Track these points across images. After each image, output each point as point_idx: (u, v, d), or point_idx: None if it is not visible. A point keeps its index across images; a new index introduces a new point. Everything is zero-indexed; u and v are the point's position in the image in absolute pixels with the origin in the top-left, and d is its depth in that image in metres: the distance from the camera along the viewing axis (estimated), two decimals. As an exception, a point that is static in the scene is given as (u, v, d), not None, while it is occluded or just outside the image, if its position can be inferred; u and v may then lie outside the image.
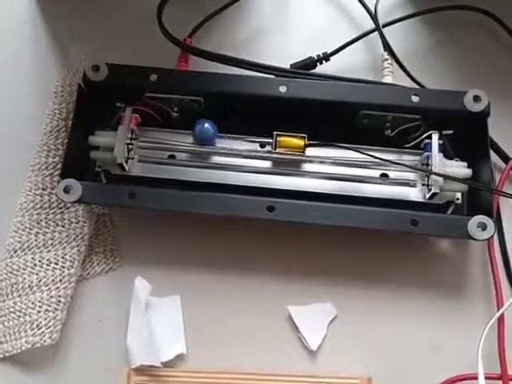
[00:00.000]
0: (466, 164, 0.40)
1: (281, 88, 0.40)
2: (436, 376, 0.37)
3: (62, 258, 0.40)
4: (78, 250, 0.41)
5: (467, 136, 0.40)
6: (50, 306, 0.39)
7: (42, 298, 0.39)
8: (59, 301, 0.39)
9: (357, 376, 0.37)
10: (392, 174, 0.41)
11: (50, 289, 0.40)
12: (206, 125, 0.41)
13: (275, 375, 0.37)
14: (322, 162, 0.41)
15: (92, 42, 0.45)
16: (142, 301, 0.39)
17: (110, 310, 0.40)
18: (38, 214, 0.41)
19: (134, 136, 0.41)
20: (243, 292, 0.40)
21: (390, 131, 0.41)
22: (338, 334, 0.39)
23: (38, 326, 0.39)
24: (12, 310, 0.39)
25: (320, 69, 0.44)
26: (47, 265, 0.40)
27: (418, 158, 0.41)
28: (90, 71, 0.40)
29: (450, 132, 0.40)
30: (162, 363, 0.38)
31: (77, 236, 0.41)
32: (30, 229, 0.41)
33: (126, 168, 0.40)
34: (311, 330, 0.39)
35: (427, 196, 0.40)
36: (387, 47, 0.44)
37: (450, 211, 0.40)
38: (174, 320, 0.39)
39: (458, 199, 0.40)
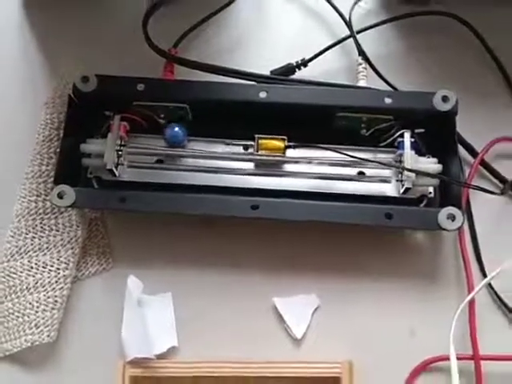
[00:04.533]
0: (436, 160, 0.43)
1: (261, 94, 0.42)
2: (413, 359, 0.40)
3: (58, 260, 0.42)
4: (73, 253, 0.43)
5: (437, 134, 0.43)
6: (47, 306, 0.41)
7: (39, 299, 0.41)
8: (56, 301, 0.41)
9: (339, 361, 0.39)
10: (368, 172, 0.43)
11: (46, 290, 0.42)
12: (176, 128, 0.43)
13: (262, 363, 0.39)
14: (302, 163, 0.44)
15: (81, 53, 0.47)
16: (135, 298, 0.41)
17: (104, 308, 0.42)
18: (33, 219, 0.43)
19: (123, 143, 0.43)
20: (231, 287, 0.42)
21: (365, 131, 0.44)
22: (322, 322, 0.41)
23: (36, 325, 0.41)
24: (11, 311, 0.41)
25: (299, 74, 0.47)
26: (43, 267, 0.42)
27: (391, 155, 0.43)
28: (80, 82, 0.43)
29: (422, 130, 0.43)
30: (155, 356, 0.40)
31: (71, 239, 0.43)
32: (26, 233, 0.43)
33: (116, 173, 0.42)
34: (296, 320, 0.41)
35: (401, 191, 0.42)
36: (361, 52, 0.46)
37: (423, 205, 0.42)
38: (166, 315, 0.42)
39: (430, 193, 0.43)
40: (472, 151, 0.45)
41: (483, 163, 0.44)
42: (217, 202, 0.40)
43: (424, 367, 0.39)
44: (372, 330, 0.41)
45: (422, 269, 0.43)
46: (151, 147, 0.44)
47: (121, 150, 0.43)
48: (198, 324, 0.42)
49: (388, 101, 0.42)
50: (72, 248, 0.43)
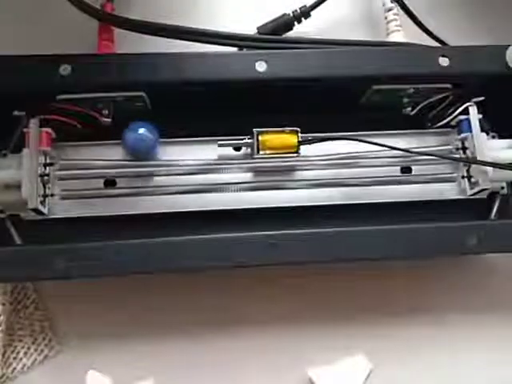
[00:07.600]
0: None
1: (258, 65, 0.28)
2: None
3: (-32, 356, 0.27)
4: (-8, 342, 0.27)
5: (503, 103, 0.30)
6: (-39, 433, 0.26)
7: None
8: (-25, 422, 0.26)
9: None
10: (417, 168, 0.31)
11: (-44, 408, 0.26)
12: (142, 130, 0.28)
13: None
14: (323, 164, 0.30)
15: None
16: (102, 404, 0.27)
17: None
18: None
19: (48, 161, 0.28)
20: (240, 359, 0.29)
21: (410, 109, 0.30)
22: (379, 394, 0.29)
23: None
24: None
25: (299, 30, 0.32)
26: None
27: (444, 138, 0.31)
28: (-37, 71, 0.26)
29: (481, 99, 0.30)
30: None
31: (-15, 321, 0.28)
32: None
33: (45, 211, 0.27)
34: (345, 398, 0.28)
35: (469, 192, 0.30)
36: (390, -9, 0.32)
37: (496, 207, 0.30)
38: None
39: (502, 188, 0.31)
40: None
41: None
42: (216, 246, 0.26)
43: None
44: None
45: (501, 298, 0.31)
46: (95, 162, 0.29)
47: (47, 175, 0.27)
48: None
49: (444, 62, 0.29)
50: (-11, 335, 0.27)
